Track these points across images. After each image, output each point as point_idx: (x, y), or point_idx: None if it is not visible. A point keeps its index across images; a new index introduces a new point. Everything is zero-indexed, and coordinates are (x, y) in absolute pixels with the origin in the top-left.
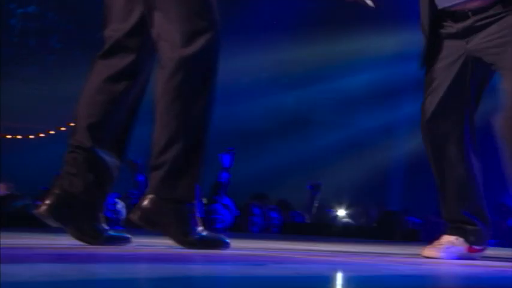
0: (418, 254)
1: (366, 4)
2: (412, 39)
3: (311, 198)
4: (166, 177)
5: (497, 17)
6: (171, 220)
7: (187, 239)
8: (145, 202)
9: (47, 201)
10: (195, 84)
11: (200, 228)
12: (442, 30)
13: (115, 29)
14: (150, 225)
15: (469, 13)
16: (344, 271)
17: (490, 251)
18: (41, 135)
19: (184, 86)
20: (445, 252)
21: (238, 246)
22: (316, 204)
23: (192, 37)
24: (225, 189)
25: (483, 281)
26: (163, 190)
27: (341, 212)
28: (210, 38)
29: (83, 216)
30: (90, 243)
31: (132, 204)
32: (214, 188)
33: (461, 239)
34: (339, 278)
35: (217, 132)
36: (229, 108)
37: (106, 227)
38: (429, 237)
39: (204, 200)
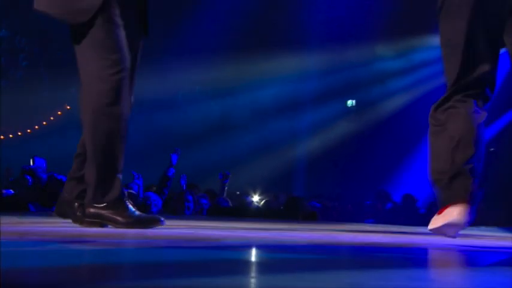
0: (315, 230)
1: None
2: (310, 62)
3: (222, 185)
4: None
5: None
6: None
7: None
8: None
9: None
10: None
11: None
12: None
13: None
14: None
15: None
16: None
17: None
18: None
19: None
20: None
21: (174, 225)
22: (238, 193)
23: None
24: (171, 181)
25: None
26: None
27: (255, 198)
28: None
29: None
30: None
31: None
32: (163, 180)
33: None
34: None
35: (163, 135)
36: (170, 115)
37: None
38: (326, 218)
39: (154, 188)
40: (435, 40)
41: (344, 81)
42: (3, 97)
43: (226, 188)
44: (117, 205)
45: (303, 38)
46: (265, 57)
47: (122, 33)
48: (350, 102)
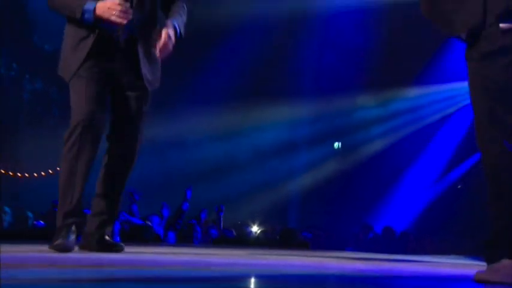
0: (306, 257)
1: None
2: (303, 110)
3: (218, 217)
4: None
5: None
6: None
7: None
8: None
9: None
10: None
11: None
12: None
13: None
14: None
15: None
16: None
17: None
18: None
19: None
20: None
21: (184, 252)
22: (239, 222)
23: None
24: (185, 214)
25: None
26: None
27: (254, 228)
28: None
29: None
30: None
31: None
32: (178, 213)
33: None
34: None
35: (177, 172)
36: (182, 155)
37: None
38: (316, 246)
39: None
40: (409, 92)
41: (332, 126)
42: (40, 142)
43: (221, 219)
44: None
45: (297, 89)
46: (264, 106)
47: (87, 87)
48: (337, 145)
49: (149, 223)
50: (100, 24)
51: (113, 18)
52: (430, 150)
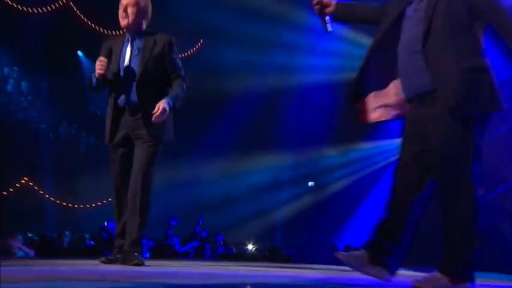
0: (290, 269)
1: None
2: (286, 157)
3: (216, 241)
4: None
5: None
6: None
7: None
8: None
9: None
10: None
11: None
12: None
13: None
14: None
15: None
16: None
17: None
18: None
19: None
20: None
21: (199, 265)
22: (238, 242)
23: None
24: (197, 235)
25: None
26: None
27: (250, 246)
28: None
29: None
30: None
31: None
32: (192, 234)
33: None
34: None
35: (192, 204)
36: (195, 191)
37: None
38: (296, 260)
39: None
40: (363, 145)
41: (307, 170)
42: (92, 181)
43: (219, 241)
44: None
45: (281, 143)
46: (256, 155)
47: (113, 163)
48: (311, 184)
49: (171, 243)
50: (98, 83)
51: (97, 72)
52: (379, 188)
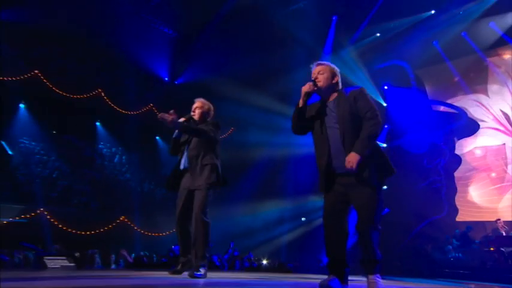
0: (291, 278)
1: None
2: (287, 204)
3: (235, 256)
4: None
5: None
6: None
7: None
8: None
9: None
10: None
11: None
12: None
13: None
14: None
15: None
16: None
17: None
18: None
19: None
20: None
21: (234, 276)
22: (257, 258)
23: None
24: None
25: None
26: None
27: (264, 261)
28: None
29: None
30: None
31: None
32: (229, 255)
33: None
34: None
35: (225, 234)
36: (229, 225)
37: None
38: (295, 271)
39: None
40: None
41: (300, 210)
42: (160, 215)
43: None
44: None
45: (284, 193)
46: (267, 201)
47: (178, 200)
48: (303, 219)
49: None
50: (177, 135)
51: (168, 123)
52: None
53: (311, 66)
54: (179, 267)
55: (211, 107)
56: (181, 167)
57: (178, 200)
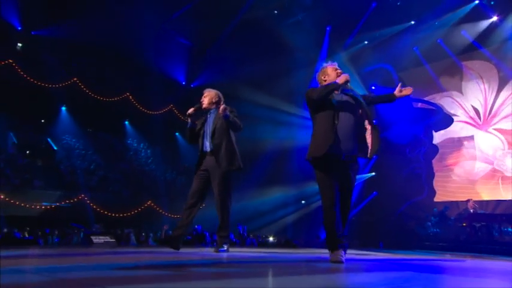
0: (297, 252)
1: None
2: (291, 190)
3: (244, 234)
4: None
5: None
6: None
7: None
8: None
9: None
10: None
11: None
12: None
13: None
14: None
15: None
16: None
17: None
18: None
19: None
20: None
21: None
22: (264, 236)
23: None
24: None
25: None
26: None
27: (271, 238)
28: None
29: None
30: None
31: None
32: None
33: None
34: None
35: (236, 216)
36: (241, 206)
37: None
38: (300, 246)
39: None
40: None
41: (301, 194)
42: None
43: (250, 235)
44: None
45: (288, 179)
46: (275, 185)
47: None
48: (303, 202)
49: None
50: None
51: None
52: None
53: (325, 65)
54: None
55: (220, 95)
56: (206, 149)
57: (196, 179)
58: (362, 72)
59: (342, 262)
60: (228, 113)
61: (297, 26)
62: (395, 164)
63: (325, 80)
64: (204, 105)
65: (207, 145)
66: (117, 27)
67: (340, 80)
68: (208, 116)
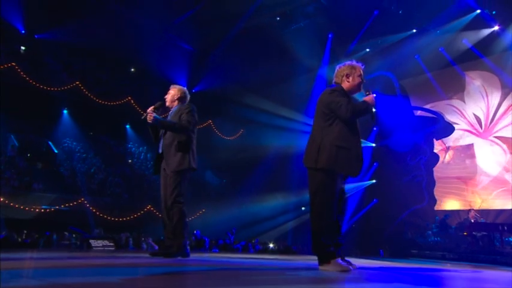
0: (295, 260)
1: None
2: (291, 197)
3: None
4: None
5: None
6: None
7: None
8: None
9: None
10: None
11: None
12: None
13: None
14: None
15: None
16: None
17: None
18: None
19: None
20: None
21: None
22: (264, 242)
23: None
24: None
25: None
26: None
27: (271, 244)
28: None
29: None
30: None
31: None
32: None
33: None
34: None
35: (229, 221)
36: (239, 213)
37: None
38: (299, 252)
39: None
40: None
41: (301, 201)
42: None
43: (255, 241)
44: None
45: (288, 185)
46: (275, 192)
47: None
48: (303, 208)
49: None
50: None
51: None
52: None
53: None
54: (162, 249)
55: (185, 94)
56: (159, 149)
57: (161, 181)
58: (363, 80)
59: (349, 270)
60: (152, 120)
61: (299, 32)
62: (396, 172)
63: (348, 82)
64: (166, 103)
65: (160, 145)
66: (120, 32)
67: (371, 101)
68: (169, 114)
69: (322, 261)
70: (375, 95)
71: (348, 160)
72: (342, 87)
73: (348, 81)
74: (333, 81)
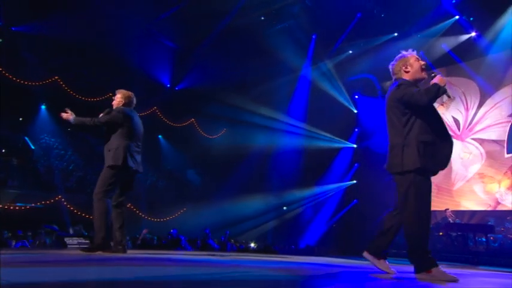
0: (276, 258)
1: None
2: (272, 198)
3: (226, 240)
4: None
5: None
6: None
7: None
8: None
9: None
10: None
11: None
12: None
13: None
14: None
15: None
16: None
17: None
18: None
19: None
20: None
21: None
22: (245, 241)
23: None
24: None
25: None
26: None
27: (252, 244)
28: None
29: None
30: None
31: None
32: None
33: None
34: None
35: (214, 224)
36: (219, 214)
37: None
38: (281, 252)
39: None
40: (314, 188)
41: (282, 201)
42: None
43: (232, 241)
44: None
45: (268, 185)
46: (256, 192)
47: None
48: (285, 208)
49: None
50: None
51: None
52: (322, 211)
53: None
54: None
55: (129, 98)
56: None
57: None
58: (346, 81)
59: (457, 279)
60: (70, 119)
61: (283, 32)
62: (376, 173)
63: (407, 72)
64: (114, 107)
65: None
66: (101, 27)
67: (442, 82)
68: None
69: (421, 270)
70: (440, 74)
71: (436, 154)
72: (404, 79)
73: (407, 71)
74: (393, 79)
